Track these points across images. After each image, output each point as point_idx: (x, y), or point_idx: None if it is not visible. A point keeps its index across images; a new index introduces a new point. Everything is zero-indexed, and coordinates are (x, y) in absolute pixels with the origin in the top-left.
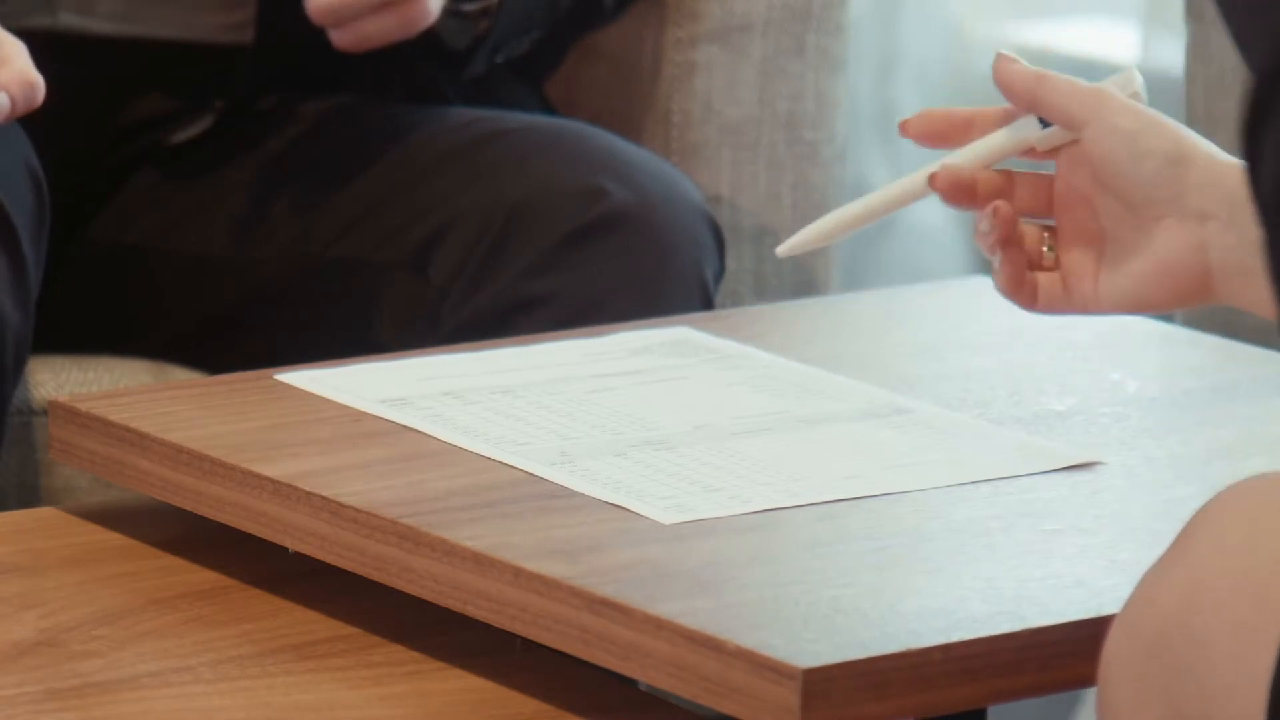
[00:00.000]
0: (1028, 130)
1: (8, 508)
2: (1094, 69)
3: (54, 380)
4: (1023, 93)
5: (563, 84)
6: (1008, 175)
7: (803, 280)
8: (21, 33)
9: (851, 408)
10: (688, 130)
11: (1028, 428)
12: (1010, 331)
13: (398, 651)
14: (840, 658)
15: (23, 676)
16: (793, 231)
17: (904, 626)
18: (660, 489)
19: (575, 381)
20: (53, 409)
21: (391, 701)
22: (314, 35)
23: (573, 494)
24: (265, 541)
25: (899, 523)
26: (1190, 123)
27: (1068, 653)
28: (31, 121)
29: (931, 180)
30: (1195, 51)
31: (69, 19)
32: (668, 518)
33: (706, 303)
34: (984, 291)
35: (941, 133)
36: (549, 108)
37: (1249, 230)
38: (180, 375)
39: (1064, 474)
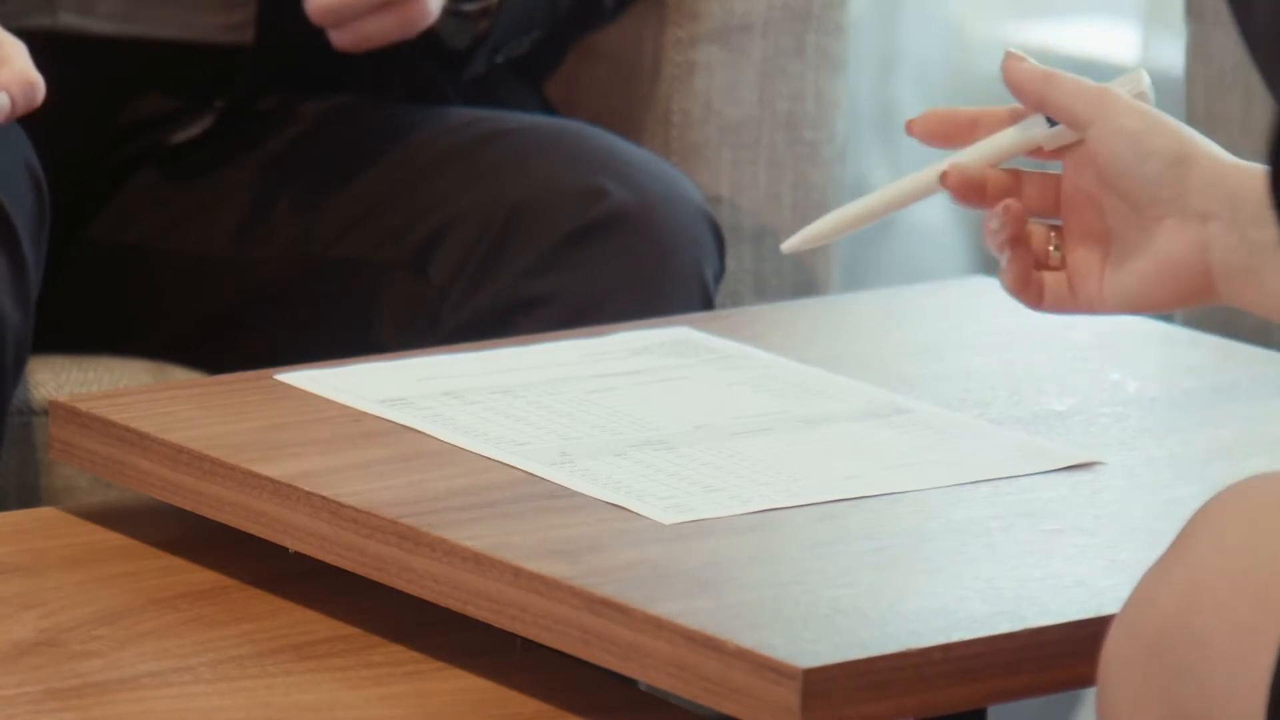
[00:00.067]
0: (1035, 129)
1: (8, 508)
2: (1094, 69)
3: (54, 380)
4: (1030, 91)
5: (563, 84)
6: (1015, 175)
7: (803, 280)
8: (21, 33)
9: (851, 408)
10: (688, 130)
11: (1028, 428)
12: (1010, 331)
13: (398, 651)
14: (840, 658)
15: (23, 676)
16: (793, 231)
17: (904, 626)
18: (660, 489)
19: (575, 381)
20: (53, 409)
21: (391, 701)
22: (314, 35)
23: (573, 494)
24: (265, 541)
25: (899, 523)
26: (1190, 123)
27: (1068, 653)
28: (31, 121)
29: (943, 178)
30: (1195, 51)
31: (69, 19)
32: (668, 518)
33: (706, 303)
34: (984, 291)
35: (946, 132)
36: (549, 108)
37: (1250, 230)
38: (180, 375)
39: (1064, 474)
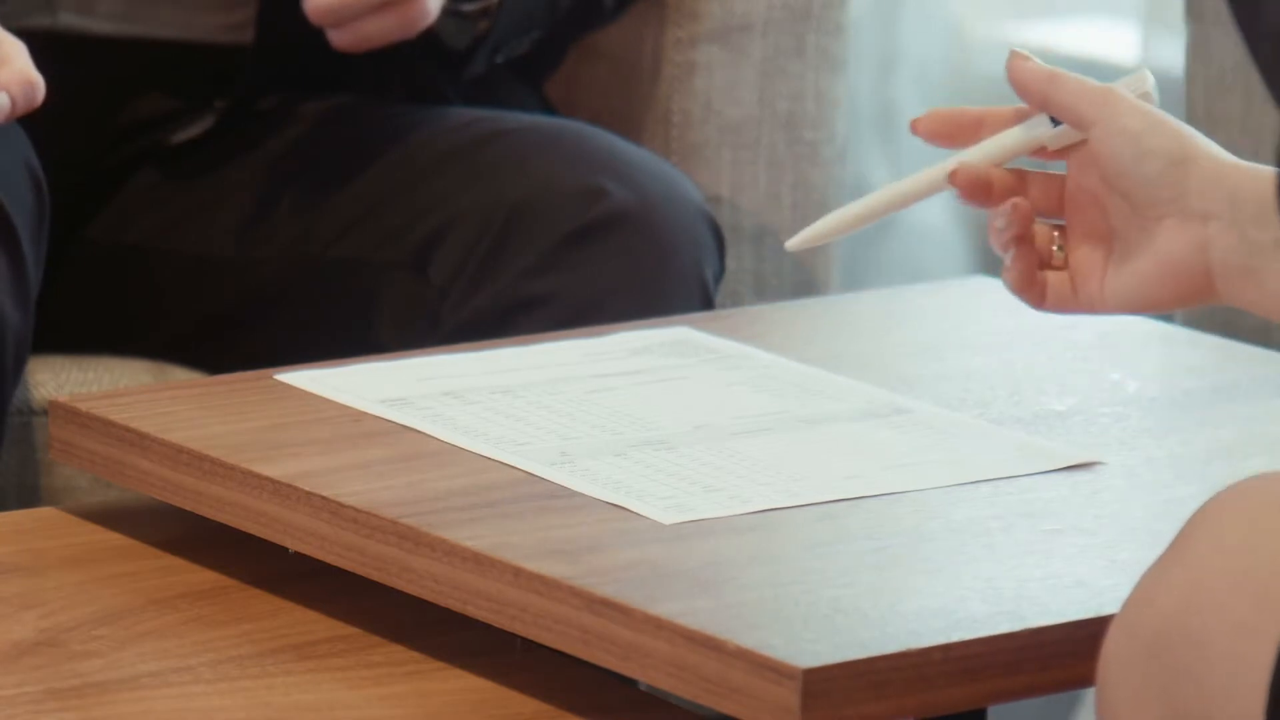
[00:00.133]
0: (1039, 129)
1: (8, 508)
2: (1094, 69)
3: (54, 380)
4: (1035, 91)
5: (563, 84)
6: (1020, 175)
7: (803, 280)
8: (21, 33)
9: (851, 408)
10: (688, 130)
11: (1028, 428)
12: (1010, 331)
13: (398, 651)
14: (840, 658)
15: (23, 676)
16: (793, 231)
17: (904, 626)
18: (660, 489)
19: (575, 381)
20: (53, 409)
21: (391, 701)
22: (314, 35)
23: (573, 494)
24: (265, 541)
25: (899, 523)
26: (1190, 123)
27: (1067, 653)
28: (31, 121)
29: (951, 177)
30: (1195, 51)
31: (69, 19)
32: (668, 518)
33: (706, 303)
34: (984, 291)
35: (951, 132)
36: (549, 108)
37: (1250, 230)
38: (180, 375)
39: (1064, 474)
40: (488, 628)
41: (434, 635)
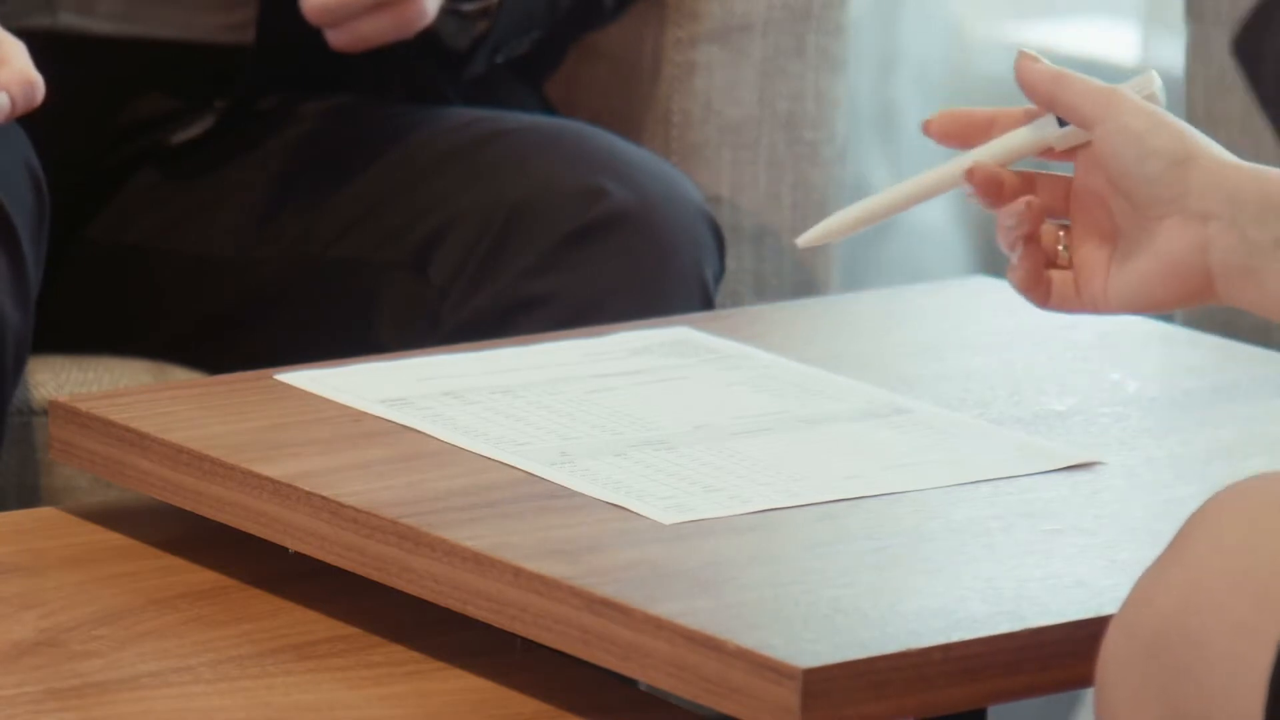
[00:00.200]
0: (1046, 130)
1: (8, 508)
2: (1094, 69)
3: (54, 380)
4: (1041, 91)
5: (563, 84)
6: (1028, 176)
7: (803, 280)
8: (21, 33)
9: (851, 408)
10: (688, 130)
11: (1028, 428)
12: (1010, 331)
13: (398, 651)
14: (840, 658)
15: (23, 676)
16: (794, 231)
17: (904, 626)
18: (660, 489)
19: (575, 381)
20: (53, 409)
21: (391, 701)
22: (314, 35)
23: (573, 494)
24: (265, 541)
25: (899, 523)
26: (1190, 123)
27: (1067, 653)
28: (31, 121)
29: (969, 174)
30: (1195, 51)
31: (69, 19)
32: (668, 518)
33: (706, 303)
34: (984, 291)
35: (963, 133)
36: (549, 108)
37: (1250, 230)
38: (180, 375)
39: (1064, 474)
40: (488, 628)
41: (434, 635)
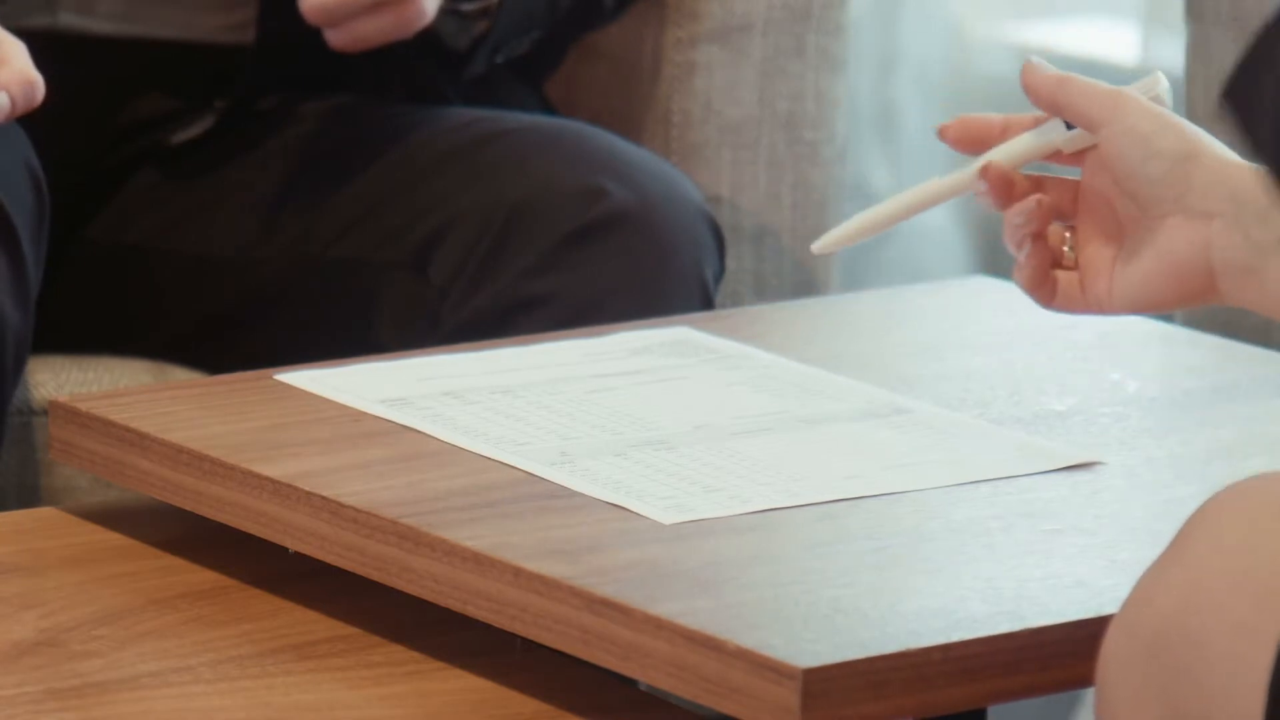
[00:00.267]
0: (1053, 133)
1: (8, 508)
2: (1094, 69)
3: (54, 380)
4: (1045, 95)
5: (563, 84)
6: (1036, 178)
7: (803, 280)
8: (21, 33)
9: (851, 408)
10: (688, 130)
11: (1028, 428)
12: (1010, 331)
13: (398, 651)
14: (840, 658)
15: (23, 676)
16: (793, 231)
17: (904, 626)
18: (660, 489)
19: (575, 381)
20: (53, 409)
21: (391, 701)
22: (314, 35)
23: (573, 494)
24: (265, 541)
25: (899, 523)
26: (1190, 122)
27: (1067, 653)
28: (31, 121)
29: (983, 171)
30: (1195, 51)
31: (69, 19)
32: (668, 518)
33: (706, 303)
34: (984, 291)
35: (978, 138)
36: (549, 108)
37: (1253, 230)
38: (180, 375)
39: (1064, 474)
40: (488, 628)
41: (434, 635)
